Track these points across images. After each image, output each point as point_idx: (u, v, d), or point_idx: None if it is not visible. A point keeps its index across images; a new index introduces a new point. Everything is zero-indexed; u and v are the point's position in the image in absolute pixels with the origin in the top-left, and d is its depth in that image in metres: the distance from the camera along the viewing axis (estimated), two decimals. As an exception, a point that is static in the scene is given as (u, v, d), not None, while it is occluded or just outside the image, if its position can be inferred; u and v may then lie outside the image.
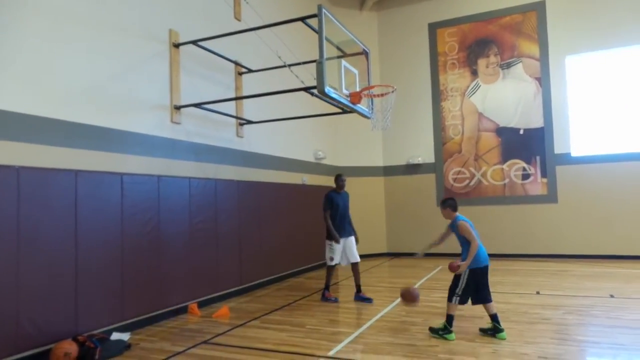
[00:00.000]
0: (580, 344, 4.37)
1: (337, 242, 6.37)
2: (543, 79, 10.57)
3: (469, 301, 4.65)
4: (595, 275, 8.05)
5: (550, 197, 10.38)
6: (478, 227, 4.80)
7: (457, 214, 4.83)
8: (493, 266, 9.05)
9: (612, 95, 10.02)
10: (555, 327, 4.87)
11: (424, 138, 11.67)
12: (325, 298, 6.53)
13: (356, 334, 4.85)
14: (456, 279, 4.67)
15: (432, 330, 4.73)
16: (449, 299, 4.67)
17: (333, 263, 6.44)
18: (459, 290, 4.61)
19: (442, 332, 4.60)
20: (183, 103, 6.37)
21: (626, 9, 9.85)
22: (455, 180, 11.27)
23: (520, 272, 8.53)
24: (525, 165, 10.68)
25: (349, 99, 6.04)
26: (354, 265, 6.58)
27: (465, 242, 4.65)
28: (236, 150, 7.61)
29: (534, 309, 5.69)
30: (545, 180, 10.46)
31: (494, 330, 4.59)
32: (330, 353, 4.27)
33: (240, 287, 7.18)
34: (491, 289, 4.66)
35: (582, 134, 10.23)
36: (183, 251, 6.02)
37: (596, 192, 9.90)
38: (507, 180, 10.82)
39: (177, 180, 6.04)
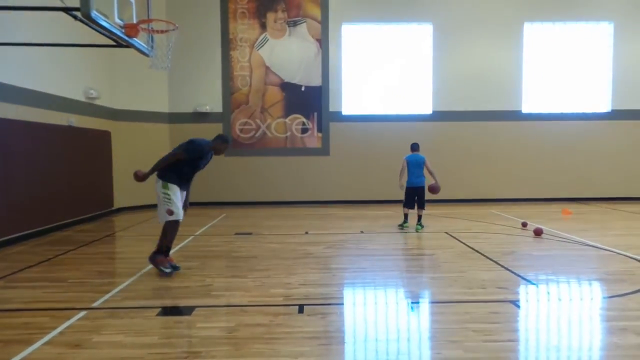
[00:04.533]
0: (333, 270, 5.14)
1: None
2: (323, 42, 11.50)
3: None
4: (352, 216, 9.51)
5: (324, 149, 11.64)
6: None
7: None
8: (271, 212, 9.94)
9: (378, 63, 11.64)
10: (316, 260, 5.58)
11: (212, 86, 11.45)
12: (161, 267, 4.87)
13: (128, 282, 4.59)
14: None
15: (400, 226, 7.81)
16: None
17: (174, 218, 4.89)
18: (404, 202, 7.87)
19: (404, 225, 7.76)
20: None
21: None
22: (241, 131, 11.50)
23: (296, 217, 9.43)
24: (304, 120, 11.62)
25: (123, 30, 5.41)
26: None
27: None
28: (-30, 76, 6.04)
29: (302, 246, 6.40)
30: (320, 134, 11.63)
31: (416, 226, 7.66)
32: (95, 304, 3.95)
33: (-19, 245, 5.94)
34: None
35: (351, 95, 11.68)
36: None
37: (359, 146, 11.57)
38: (288, 134, 11.61)
39: None
